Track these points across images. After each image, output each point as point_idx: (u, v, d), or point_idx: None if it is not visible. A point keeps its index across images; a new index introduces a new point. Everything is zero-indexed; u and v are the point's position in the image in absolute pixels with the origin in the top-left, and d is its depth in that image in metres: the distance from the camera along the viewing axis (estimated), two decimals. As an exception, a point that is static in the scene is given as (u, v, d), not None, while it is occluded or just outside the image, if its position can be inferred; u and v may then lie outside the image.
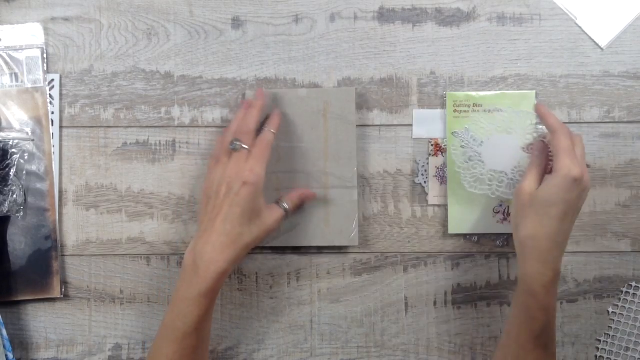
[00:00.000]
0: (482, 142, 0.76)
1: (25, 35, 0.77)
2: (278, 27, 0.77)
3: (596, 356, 0.77)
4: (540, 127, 0.74)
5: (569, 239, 0.67)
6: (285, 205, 0.72)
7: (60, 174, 0.77)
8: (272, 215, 0.70)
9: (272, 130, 0.71)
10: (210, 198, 0.69)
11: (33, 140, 0.76)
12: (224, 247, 0.66)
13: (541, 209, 0.65)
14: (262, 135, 0.71)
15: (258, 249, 0.77)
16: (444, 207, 0.77)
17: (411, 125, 0.77)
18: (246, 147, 0.69)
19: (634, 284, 0.77)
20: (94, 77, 0.77)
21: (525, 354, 0.66)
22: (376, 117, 0.77)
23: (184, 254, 0.77)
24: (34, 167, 0.76)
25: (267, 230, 0.70)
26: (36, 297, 0.76)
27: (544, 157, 0.70)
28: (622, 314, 0.77)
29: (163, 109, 0.78)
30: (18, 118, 0.76)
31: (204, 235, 0.67)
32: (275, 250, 0.77)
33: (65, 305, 0.78)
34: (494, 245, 0.77)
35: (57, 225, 0.76)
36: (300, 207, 0.75)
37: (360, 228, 0.77)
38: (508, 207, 0.76)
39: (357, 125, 0.77)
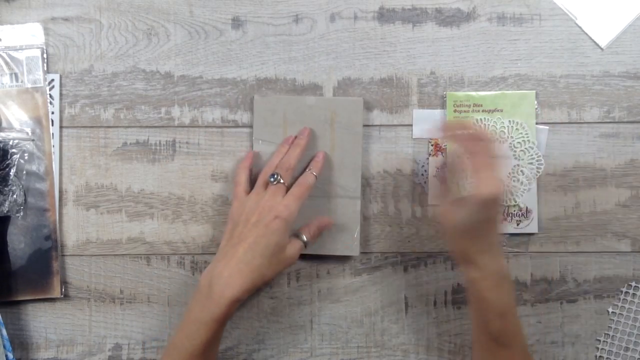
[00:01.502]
0: None
1: (25, 35, 0.77)
2: (278, 27, 0.77)
3: (596, 356, 0.77)
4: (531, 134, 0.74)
5: (500, 240, 0.68)
6: (304, 238, 0.72)
7: (60, 174, 0.77)
8: (292, 248, 0.70)
9: (314, 173, 0.72)
10: (237, 225, 0.69)
11: (33, 140, 0.76)
12: (241, 274, 0.66)
13: (457, 229, 0.65)
14: (304, 176, 0.72)
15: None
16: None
17: (411, 125, 0.77)
18: (283, 182, 0.69)
19: (633, 284, 0.77)
20: (94, 77, 0.77)
21: (491, 355, 0.66)
22: (376, 117, 0.77)
23: (184, 254, 0.77)
24: (34, 167, 0.76)
25: (287, 264, 0.70)
26: (36, 297, 0.76)
27: (443, 174, 0.73)
28: (622, 314, 0.77)
29: (163, 109, 0.78)
30: (18, 118, 0.76)
31: (224, 260, 0.67)
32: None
33: (65, 305, 0.78)
34: (494, 245, 0.77)
35: (57, 225, 0.76)
36: (319, 237, 0.74)
37: (361, 228, 0.77)
38: (508, 207, 0.76)
39: (357, 125, 0.77)
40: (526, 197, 0.76)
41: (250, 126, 0.77)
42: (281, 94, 0.77)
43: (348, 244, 0.75)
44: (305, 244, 0.72)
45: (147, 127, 0.78)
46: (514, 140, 0.76)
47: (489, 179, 0.62)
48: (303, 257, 0.77)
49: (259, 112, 0.76)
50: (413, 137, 0.77)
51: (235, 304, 0.66)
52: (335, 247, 0.76)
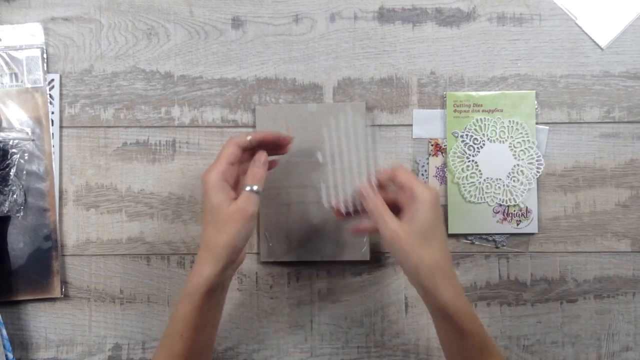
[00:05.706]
0: (478, 151, 0.76)
1: (25, 35, 0.77)
2: (278, 27, 0.77)
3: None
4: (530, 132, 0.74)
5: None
6: (255, 188, 0.64)
7: (60, 174, 0.77)
8: (240, 201, 0.64)
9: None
10: None
11: (33, 140, 0.76)
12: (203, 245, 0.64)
13: (428, 237, 0.62)
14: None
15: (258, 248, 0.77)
16: (444, 207, 0.77)
17: (411, 125, 0.77)
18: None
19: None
20: (94, 77, 0.77)
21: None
22: (376, 117, 0.77)
23: (184, 254, 0.77)
24: (34, 167, 0.76)
25: (243, 217, 0.63)
26: (36, 297, 0.76)
27: (379, 197, 0.66)
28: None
29: (163, 109, 0.78)
30: (18, 118, 0.76)
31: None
32: (275, 250, 0.78)
33: (65, 305, 0.78)
34: (494, 245, 0.77)
35: (57, 225, 0.76)
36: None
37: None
38: (508, 207, 0.76)
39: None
40: (526, 197, 0.76)
41: (251, 126, 0.77)
42: (281, 94, 0.77)
43: (358, 249, 0.76)
44: (259, 193, 0.65)
45: (147, 127, 0.78)
46: (514, 140, 0.76)
47: None
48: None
49: (262, 122, 0.76)
50: (413, 137, 0.77)
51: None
52: (345, 252, 0.76)
